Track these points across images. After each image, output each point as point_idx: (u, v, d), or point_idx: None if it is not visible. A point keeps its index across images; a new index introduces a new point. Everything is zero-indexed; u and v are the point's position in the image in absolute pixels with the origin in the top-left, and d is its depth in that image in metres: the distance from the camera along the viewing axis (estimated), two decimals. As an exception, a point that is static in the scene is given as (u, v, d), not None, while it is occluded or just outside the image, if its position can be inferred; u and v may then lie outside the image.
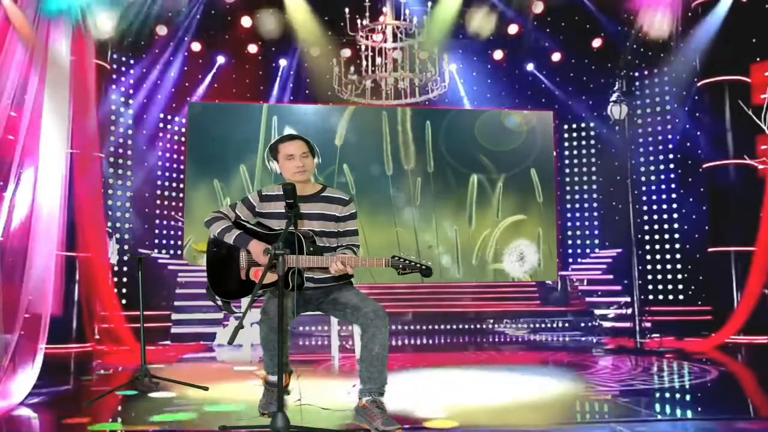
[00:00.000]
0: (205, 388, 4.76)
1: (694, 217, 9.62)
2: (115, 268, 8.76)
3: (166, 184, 10.28)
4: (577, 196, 11.21)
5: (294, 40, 10.21)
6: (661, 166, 10.15)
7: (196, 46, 10.15)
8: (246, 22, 10.15)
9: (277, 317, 3.09)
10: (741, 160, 8.41)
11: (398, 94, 9.57)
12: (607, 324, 9.64)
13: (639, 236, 9.41)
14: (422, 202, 10.76)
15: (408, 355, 7.48)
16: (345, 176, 10.55)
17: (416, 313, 9.88)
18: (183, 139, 10.40)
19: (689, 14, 8.94)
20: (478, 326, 9.74)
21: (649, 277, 9.98)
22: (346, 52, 10.00)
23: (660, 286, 9.94)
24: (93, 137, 7.85)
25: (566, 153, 11.31)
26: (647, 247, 10.00)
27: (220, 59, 10.51)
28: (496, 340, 9.33)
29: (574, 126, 11.26)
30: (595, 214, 11.05)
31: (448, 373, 5.96)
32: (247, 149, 10.37)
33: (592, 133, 11.10)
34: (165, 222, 10.17)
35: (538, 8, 9.70)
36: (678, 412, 4.29)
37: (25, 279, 5.01)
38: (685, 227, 9.81)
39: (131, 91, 9.69)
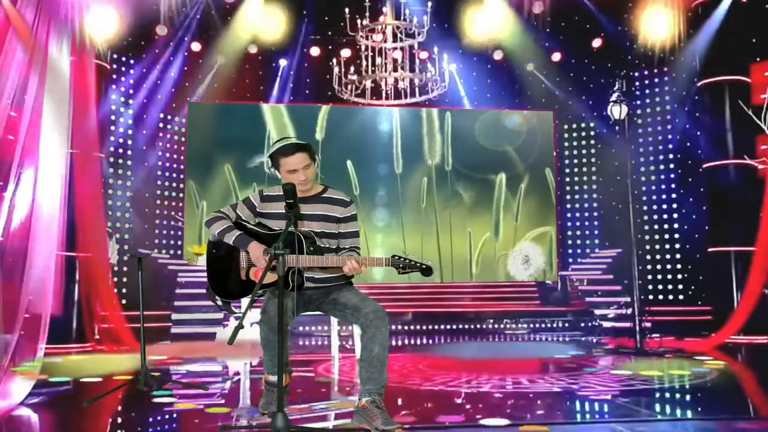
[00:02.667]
0: (205, 388, 4.77)
1: (694, 217, 9.61)
2: (115, 268, 8.76)
3: (166, 184, 10.28)
4: (577, 196, 11.19)
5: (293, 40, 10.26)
6: (661, 166, 10.13)
7: (196, 46, 10.14)
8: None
9: (277, 317, 3.09)
10: (741, 160, 8.42)
11: (398, 94, 9.56)
12: (607, 324, 9.63)
13: (639, 236, 9.39)
14: (427, 203, 10.79)
15: (408, 355, 7.47)
16: (349, 175, 10.59)
17: (416, 313, 9.87)
18: (183, 139, 10.40)
19: (689, 14, 8.94)
20: (478, 326, 9.74)
21: (649, 277, 9.97)
22: (346, 52, 10.00)
23: (660, 286, 9.93)
24: (93, 137, 7.87)
25: (566, 153, 11.30)
26: (647, 247, 9.98)
27: (221, 59, 10.49)
28: (496, 340, 9.33)
29: (574, 126, 11.25)
30: (595, 214, 11.03)
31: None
32: (248, 148, 10.41)
33: (592, 133, 11.07)
34: (165, 222, 10.16)
35: (538, 8, 9.69)
36: (678, 412, 4.29)
37: (25, 279, 5.02)
38: (685, 227, 9.80)
39: (131, 91, 9.67)
